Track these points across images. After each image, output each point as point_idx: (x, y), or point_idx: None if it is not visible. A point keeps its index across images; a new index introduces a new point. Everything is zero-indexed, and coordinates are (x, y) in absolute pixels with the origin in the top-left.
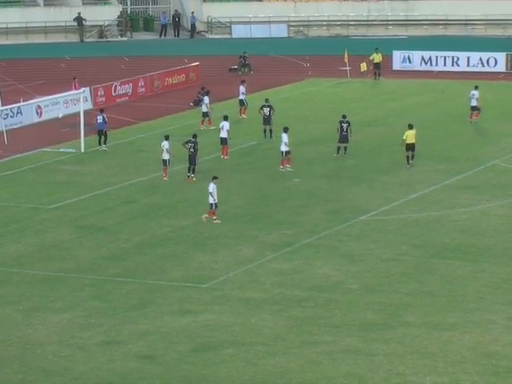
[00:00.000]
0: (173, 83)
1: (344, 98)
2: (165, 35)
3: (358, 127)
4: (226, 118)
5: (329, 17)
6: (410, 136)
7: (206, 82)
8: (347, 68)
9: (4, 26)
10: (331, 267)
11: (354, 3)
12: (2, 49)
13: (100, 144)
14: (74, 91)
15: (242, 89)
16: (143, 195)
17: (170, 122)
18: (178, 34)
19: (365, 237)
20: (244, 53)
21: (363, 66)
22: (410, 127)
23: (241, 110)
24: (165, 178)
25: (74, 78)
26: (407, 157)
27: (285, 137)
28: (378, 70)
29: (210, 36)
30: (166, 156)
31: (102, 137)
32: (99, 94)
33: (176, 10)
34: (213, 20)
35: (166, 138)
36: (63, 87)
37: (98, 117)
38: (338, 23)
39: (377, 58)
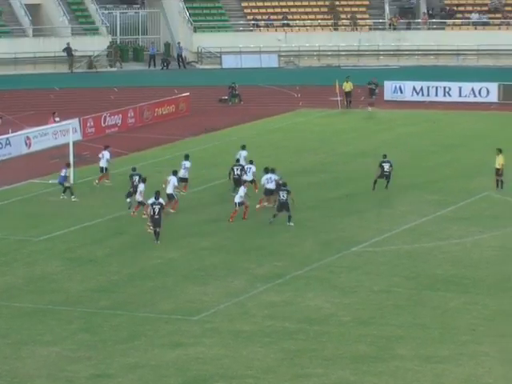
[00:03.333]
0: (163, 114)
1: (335, 128)
2: (154, 66)
3: (350, 158)
4: (186, 158)
5: (319, 47)
6: (499, 161)
7: (196, 112)
8: (338, 98)
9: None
10: (323, 299)
11: (345, 33)
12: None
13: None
14: (55, 124)
15: (106, 154)
16: (133, 227)
17: (161, 152)
18: (168, 64)
19: (357, 268)
20: (233, 83)
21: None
22: (499, 152)
23: (100, 177)
24: (172, 211)
25: (54, 113)
26: (497, 181)
27: (242, 190)
28: (348, 98)
29: (200, 66)
30: (169, 190)
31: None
32: (88, 124)
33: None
34: (203, 50)
35: (174, 173)
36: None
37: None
38: (329, 53)
39: (347, 86)
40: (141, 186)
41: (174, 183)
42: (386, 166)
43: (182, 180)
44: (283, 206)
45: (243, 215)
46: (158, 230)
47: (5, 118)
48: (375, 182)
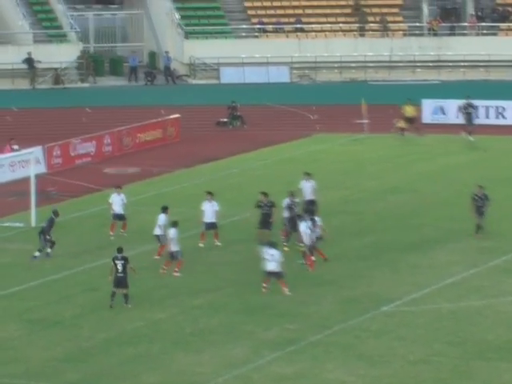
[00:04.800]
0: (146, 140)
1: (361, 158)
2: (136, 80)
3: (378, 195)
4: (164, 210)
5: (341, 57)
6: None
7: (188, 138)
8: (364, 121)
9: None
10: (345, 371)
11: (373, 40)
12: None
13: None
14: (13, 153)
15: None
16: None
17: (143, 188)
18: (153, 79)
19: (388, 332)
20: (233, 102)
21: (400, 123)
22: None
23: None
24: (156, 257)
25: (11, 139)
26: None
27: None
28: (413, 124)
29: (193, 81)
30: (157, 231)
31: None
32: (55, 153)
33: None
34: (196, 61)
35: (164, 209)
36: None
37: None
38: (353, 65)
39: (410, 111)
40: (161, 219)
41: (163, 223)
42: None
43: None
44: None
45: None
46: (124, 291)
47: None
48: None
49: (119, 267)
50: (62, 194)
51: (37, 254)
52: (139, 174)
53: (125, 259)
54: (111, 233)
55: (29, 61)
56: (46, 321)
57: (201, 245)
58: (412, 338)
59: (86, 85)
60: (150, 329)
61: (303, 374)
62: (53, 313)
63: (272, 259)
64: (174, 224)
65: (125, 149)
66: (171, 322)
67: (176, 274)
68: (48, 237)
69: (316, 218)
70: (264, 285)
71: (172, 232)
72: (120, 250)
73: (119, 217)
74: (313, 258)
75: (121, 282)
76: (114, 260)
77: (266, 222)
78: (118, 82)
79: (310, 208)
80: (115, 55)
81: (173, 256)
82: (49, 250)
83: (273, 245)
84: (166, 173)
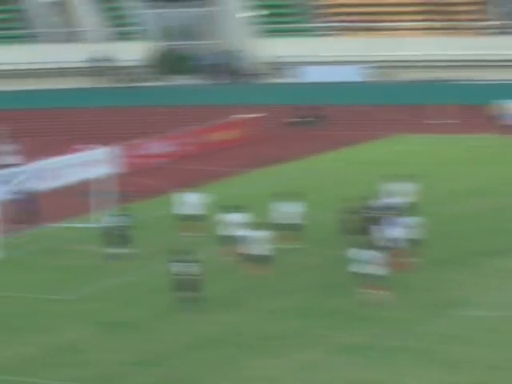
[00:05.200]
0: (220, 140)
1: (442, 158)
2: (210, 79)
3: (460, 197)
4: (238, 210)
5: (424, 56)
6: None
7: (267, 137)
8: (451, 121)
9: (4, 67)
10: (427, 379)
11: (459, 39)
12: (3, 96)
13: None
14: (86, 152)
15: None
16: None
17: (220, 188)
18: (229, 77)
19: (472, 338)
20: (315, 101)
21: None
22: None
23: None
24: (229, 258)
25: (81, 140)
26: None
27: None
28: (497, 124)
29: (272, 80)
30: (232, 232)
31: None
32: (130, 153)
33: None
34: (275, 60)
35: (238, 209)
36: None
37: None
38: (441, 64)
39: (494, 110)
40: (236, 218)
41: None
42: None
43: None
44: None
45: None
46: (195, 295)
47: (18, 142)
48: None
49: (190, 270)
50: (136, 194)
51: (112, 253)
52: (215, 173)
53: (196, 262)
54: (186, 234)
55: (98, 59)
56: (117, 323)
57: (280, 246)
58: (497, 343)
59: (161, 83)
60: (224, 332)
61: (380, 380)
62: (125, 315)
63: (369, 261)
64: (256, 225)
65: (202, 148)
66: (247, 326)
67: (259, 275)
68: (125, 237)
69: (407, 220)
70: (367, 290)
71: (253, 233)
72: (192, 252)
73: (194, 218)
74: (401, 261)
75: (191, 285)
76: (184, 262)
77: (362, 228)
78: (192, 81)
79: (402, 209)
80: (191, 53)
81: (253, 258)
82: (124, 251)
83: (369, 247)
84: (243, 173)
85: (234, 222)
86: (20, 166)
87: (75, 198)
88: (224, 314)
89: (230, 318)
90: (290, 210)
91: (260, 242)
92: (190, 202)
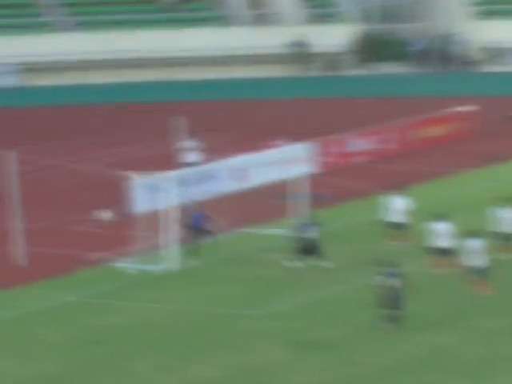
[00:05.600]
0: (434, 136)
1: None
2: (422, 67)
3: None
4: (443, 218)
5: None
6: None
7: (483, 134)
8: None
9: (187, 54)
10: None
11: None
12: (181, 85)
13: None
14: (279, 149)
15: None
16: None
17: (429, 192)
18: (443, 65)
19: None
20: None
21: None
22: None
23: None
24: (440, 270)
25: (277, 136)
26: None
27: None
28: None
29: (493, 68)
30: (440, 242)
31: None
32: (327, 151)
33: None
34: (494, 45)
35: (443, 217)
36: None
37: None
38: None
39: None
40: (443, 227)
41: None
42: None
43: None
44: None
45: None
46: (397, 312)
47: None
48: None
49: (393, 284)
50: (334, 197)
51: (304, 265)
52: (425, 174)
53: (401, 275)
54: (390, 243)
55: (298, 44)
56: (313, 343)
57: (501, 257)
58: None
59: (363, 72)
60: (431, 354)
61: None
62: (321, 334)
63: None
64: (473, 234)
65: (409, 146)
66: (458, 348)
67: (482, 292)
68: (319, 247)
69: None
70: None
71: (466, 242)
72: (395, 265)
73: (399, 225)
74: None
75: (395, 301)
76: (386, 276)
77: None
78: (401, 69)
79: None
80: (398, 37)
81: (467, 271)
82: (318, 262)
83: None
84: (454, 174)
85: (444, 231)
86: (202, 165)
87: (266, 200)
88: (431, 334)
89: (438, 339)
90: (508, 217)
91: (475, 252)
92: (396, 206)
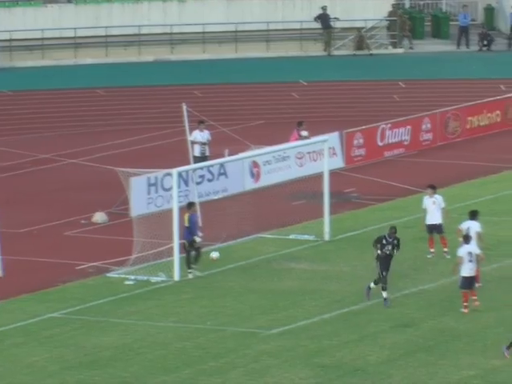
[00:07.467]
0: (480, 125)
1: None
2: (466, 45)
3: None
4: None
5: None
6: None
7: None
8: None
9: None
10: None
11: None
12: (190, 66)
13: None
14: (300, 142)
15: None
16: (429, 311)
17: (473, 190)
18: (490, 42)
19: None
20: None
21: None
22: None
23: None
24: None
25: (300, 123)
26: None
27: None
28: None
29: None
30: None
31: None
32: (356, 142)
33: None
34: None
35: (473, 216)
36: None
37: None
38: None
39: None
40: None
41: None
42: None
43: None
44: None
45: None
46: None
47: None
48: None
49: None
50: (364, 196)
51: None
52: (466, 170)
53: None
54: (431, 250)
55: (323, 18)
56: (343, 366)
57: None
58: None
59: (399, 50)
60: (481, 380)
61: None
62: (352, 356)
63: None
64: (473, 216)
65: (450, 137)
66: (510, 372)
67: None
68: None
69: None
70: None
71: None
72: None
73: (436, 228)
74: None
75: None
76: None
77: None
78: (442, 47)
79: None
80: (439, 12)
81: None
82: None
83: None
84: (505, 169)
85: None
86: (213, 159)
87: (290, 200)
88: (480, 356)
89: (489, 362)
90: None
91: None
92: (429, 207)
